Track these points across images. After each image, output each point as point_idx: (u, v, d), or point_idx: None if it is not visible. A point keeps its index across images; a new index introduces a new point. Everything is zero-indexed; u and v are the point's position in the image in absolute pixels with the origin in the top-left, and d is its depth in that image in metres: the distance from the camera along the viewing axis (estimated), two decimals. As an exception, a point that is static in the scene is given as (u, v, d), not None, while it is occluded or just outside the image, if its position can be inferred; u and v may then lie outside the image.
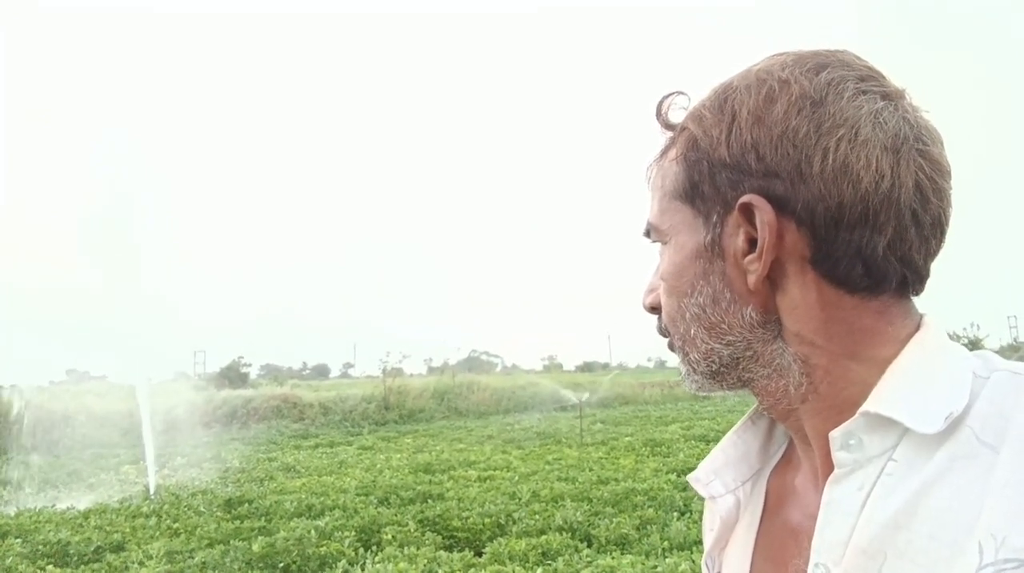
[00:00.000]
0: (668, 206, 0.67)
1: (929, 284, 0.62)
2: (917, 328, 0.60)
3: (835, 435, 0.57)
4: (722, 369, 0.65)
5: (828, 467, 0.59)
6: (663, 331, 0.71)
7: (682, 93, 0.68)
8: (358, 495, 8.71)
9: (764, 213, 0.58)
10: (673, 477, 8.67)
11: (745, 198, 0.59)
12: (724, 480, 0.74)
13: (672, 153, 0.67)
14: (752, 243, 0.60)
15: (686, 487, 8.07)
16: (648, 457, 10.94)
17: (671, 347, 0.71)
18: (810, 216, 0.58)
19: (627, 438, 13.68)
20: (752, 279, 0.60)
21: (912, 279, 0.60)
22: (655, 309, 0.72)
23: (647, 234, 0.72)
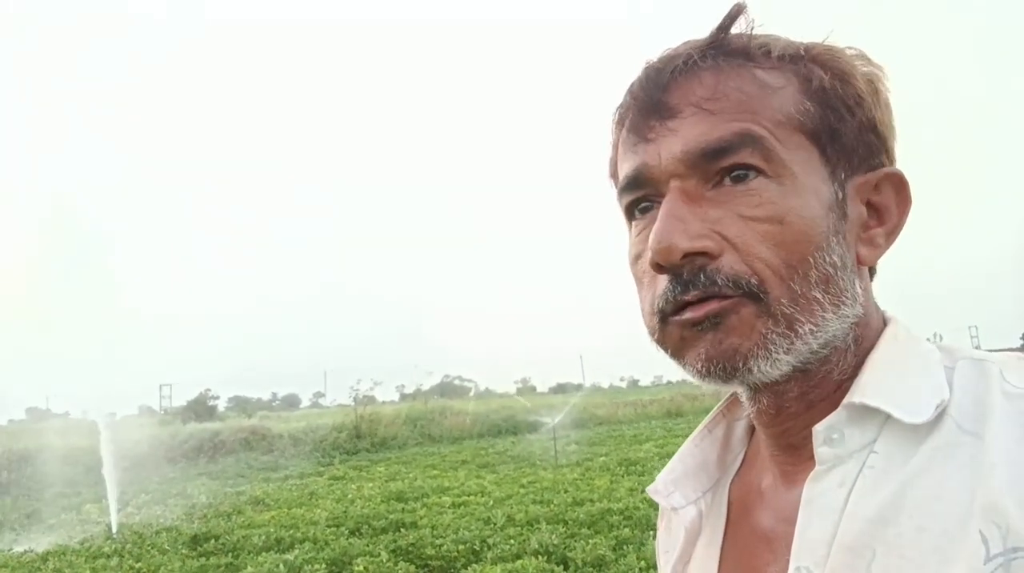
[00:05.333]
0: (789, 136, 0.54)
1: (893, 295, 0.64)
2: (884, 322, 0.60)
3: (818, 429, 0.54)
4: (813, 350, 0.54)
5: (812, 466, 0.56)
6: (731, 290, 0.53)
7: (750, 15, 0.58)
8: (329, 526, 8.49)
9: (908, 192, 0.59)
10: (648, 496, 8.59)
11: (895, 171, 0.59)
12: (684, 491, 0.70)
13: (777, 75, 0.56)
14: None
15: (661, 505, 8.02)
16: (623, 476, 10.86)
17: (720, 315, 0.53)
18: None
19: (602, 458, 13.59)
20: (876, 254, 0.59)
21: None
22: (690, 258, 0.53)
23: (720, 153, 0.54)
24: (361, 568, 6.31)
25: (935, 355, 0.56)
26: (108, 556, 7.79)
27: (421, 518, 8.60)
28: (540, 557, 6.26)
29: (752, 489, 0.66)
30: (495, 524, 7.82)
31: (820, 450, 0.54)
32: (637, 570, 5.71)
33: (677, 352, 0.56)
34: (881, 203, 0.58)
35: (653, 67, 0.58)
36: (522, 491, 10.18)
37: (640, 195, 0.59)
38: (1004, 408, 0.50)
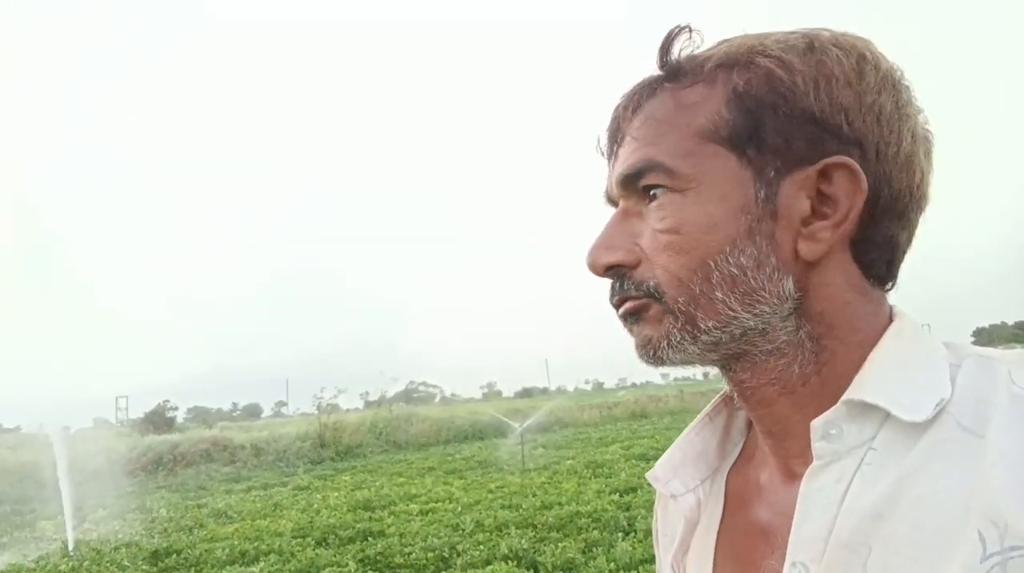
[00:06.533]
0: (698, 149, 0.57)
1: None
2: (890, 317, 0.59)
3: (817, 424, 0.55)
4: (728, 340, 0.58)
5: (808, 460, 0.56)
6: (634, 293, 0.60)
7: (693, 30, 0.61)
8: (294, 537, 8.34)
9: (860, 181, 0.55)
10: (616, 497, 8.65)
11: (839, 160, 0.55)
12: (683, 478, 0.70)
13: (702, 89, 0.59)
14: (811, 209, 0.57)
15: (629, 507, 8.07)
16: (590, 479, 10.90)
17: (635, 312, 0.61)
18: (874, 197, 0.56)
19: (569, 461, 13.61)
20: (818, 249, 0.56)
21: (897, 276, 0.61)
22: (612, 269, 0.61)
23: (634, 178, 0.60)
24: (328, 579, 6.21)
25: (940, 352, 0.56)
26: (65, 574, 7.56)
27: (389, 526, 8.51)
28: (510, 562, 6.24)
29: (750, 480, 0.66)
30: (464, 530, 7.77)
31: (818, 445, 0.54)
32: (607, 572, 5.73)
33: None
34: (834, 194, 0.56)
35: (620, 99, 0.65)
36: (490, 496, 10.15)
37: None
38: (1010, 409, 0.49)
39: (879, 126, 0.56)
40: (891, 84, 0.57)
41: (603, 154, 0.66)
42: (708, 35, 0.61)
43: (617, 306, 0.62)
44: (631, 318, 0.62)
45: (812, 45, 0.57)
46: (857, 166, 0.55)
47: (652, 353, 0.60)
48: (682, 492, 0.69)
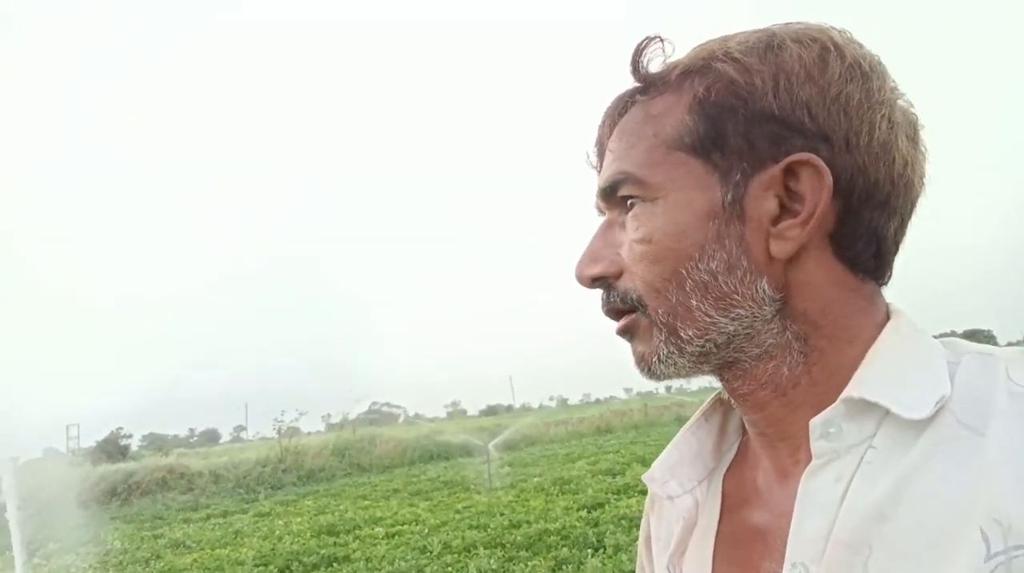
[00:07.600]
0: (665, 158, 0.58)
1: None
2: (887, 315, 0.58)
3: (815, 423, 0.54)
4: (714, 348, 0.58)
5: (805, 460, 0.55)
6: (621, 305, 0.61)
7: (663, 39, 0.61)
8: (256, 566, 8.15)
9: (824, 176, 0.54)
10: (584, 514, 8.64)
11: (801, 157, 0.54)
12: (680, 480, 0.69)
13: (669, 98, 0.59)
14: (782, 208, 0.56)
15: (598, 523, 8.05)
16: (558, 496, 10.86)
17: (628, 330, 0.62)
18: (848, 189, 0.55)
19: (536, 479, 13.57)
20: (787, 247, 0.55)
21: (891, 269, 0.60)
22: (599, 280, 0.62)
23: (611, 191, 0.61)
24: (293, 607, 6.06)
25: (938, 350, 0.55)
26: (13, 613, 7.26)
27: (354, 551, 8.35)
28: (479, 583, 6.17)
29: (746, 481, 0.66)
30: (431, 552, 7.68)
31: (817, 444, 0.54)
32: (578, 590, 5.69)
33: None
34: (801, 191, 0.55)
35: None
36: (457, 517, 10.04)
37: None
38: (1009, 407, 0.49)
39: (847, 117, 0.55)
40: (859, 73, 0.56)
41: (594, 167, 0.67)
42: (705, 36, 0.60)
43: (610, 317, 0.63)
44: (626, 336, 0.63)
45: (771, 43, 0.56)
46: (819, 161, 0.54)
47: (647, 369, 0.61)
48: (679, 493, 0.69)
